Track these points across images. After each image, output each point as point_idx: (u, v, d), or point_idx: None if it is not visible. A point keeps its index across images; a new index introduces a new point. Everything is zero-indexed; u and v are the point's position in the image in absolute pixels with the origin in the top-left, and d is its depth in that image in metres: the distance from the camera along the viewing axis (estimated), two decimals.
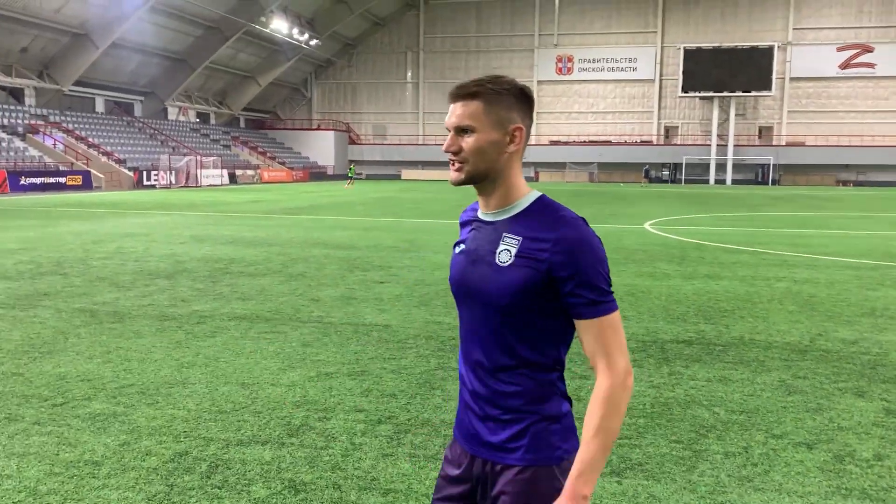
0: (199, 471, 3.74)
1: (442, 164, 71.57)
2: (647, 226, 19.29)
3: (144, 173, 42.90)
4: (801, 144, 65.39)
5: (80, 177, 38.09)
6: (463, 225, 1.88)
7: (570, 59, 71.89)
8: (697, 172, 66.69)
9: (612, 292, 1.69)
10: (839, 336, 6.78)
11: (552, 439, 1.73)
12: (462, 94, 1.72)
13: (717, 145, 65.73)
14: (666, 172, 68.80)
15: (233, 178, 52.07)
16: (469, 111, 1.71)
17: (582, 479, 1.62)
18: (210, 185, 47.18)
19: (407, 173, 71.95)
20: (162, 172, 44.08)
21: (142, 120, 53.85)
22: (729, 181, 64.94)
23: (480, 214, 1.81)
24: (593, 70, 71.40)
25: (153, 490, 3.52)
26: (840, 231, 18.16)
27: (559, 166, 70.18)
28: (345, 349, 6.19)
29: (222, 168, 50.03)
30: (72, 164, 40.40)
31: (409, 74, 74.17)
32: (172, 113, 58.80)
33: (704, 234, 16.85)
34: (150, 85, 54.85)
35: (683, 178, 66.16)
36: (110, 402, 4.76)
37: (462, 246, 1.83)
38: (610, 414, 1.63)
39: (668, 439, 4.20)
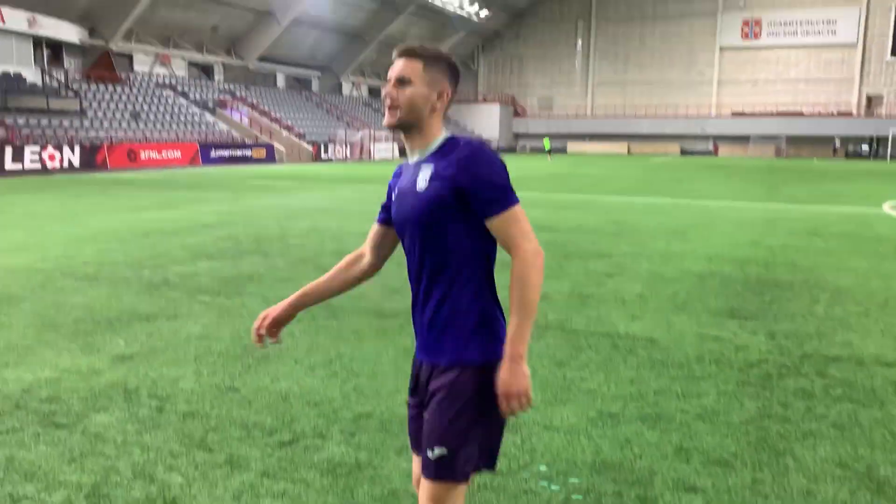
0: None
1: (612, 137, 68.38)
2: (886, 208, 16.42)
3: (322, 146, 43.89)
4: None
5: (264, 150, 39.46)
6: (395, 175, 2.17)
7: (757, 23, 65.91)
8: None
9: (512, 190, 1.94)
10: None
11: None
12: (407, 52, 2.04)
13: None
14: (865, 147, 61.55)
15: (402, 153, 52.37)
16: (410, 67, 2.02)
17: (513, 343, 1.89)
18: (382, 159, 47.61)
19: (573, 146, 69.41)
20: (338, 146, 44.94)
21: (318, 95, 55.36)
22: None
23: (409, 161, 2.12)
24: (784, 34, 65.09)
25: None
26: None
27: (742, 140, 64.81)
28: (615, 374, 4.81)
29: (393, 142, 50.40)
30: (256, 137, 42.00)
31: (580, 44, 71.20)
32: (346, 88, 60.08)
33: None
34: (327, 60, 56.22)
35: (889, 153, 58.76)
36: (349, 444, 3.68)
37: (396, 191, 2.11)
38: (523, 289, 1.89)
39: None
